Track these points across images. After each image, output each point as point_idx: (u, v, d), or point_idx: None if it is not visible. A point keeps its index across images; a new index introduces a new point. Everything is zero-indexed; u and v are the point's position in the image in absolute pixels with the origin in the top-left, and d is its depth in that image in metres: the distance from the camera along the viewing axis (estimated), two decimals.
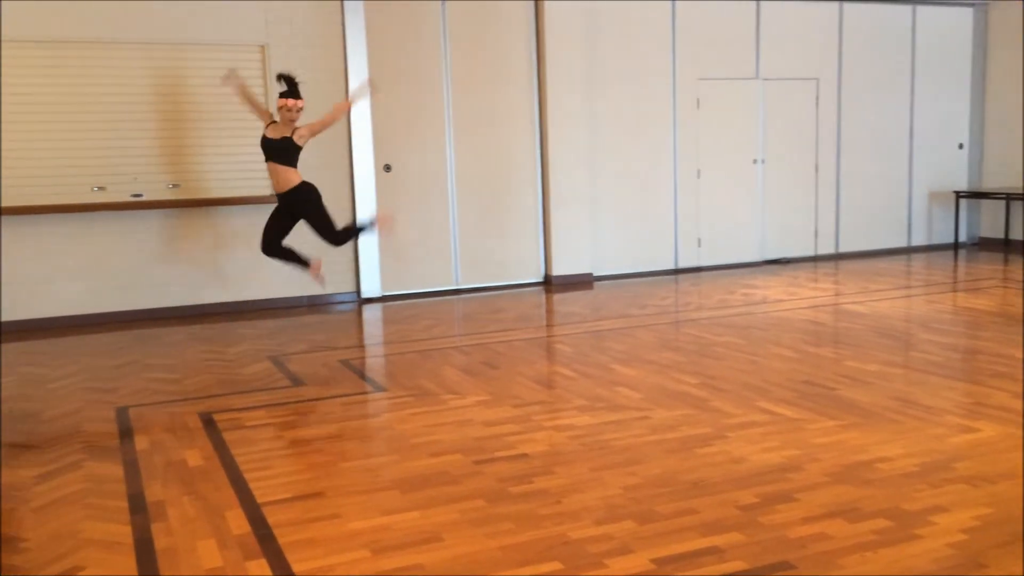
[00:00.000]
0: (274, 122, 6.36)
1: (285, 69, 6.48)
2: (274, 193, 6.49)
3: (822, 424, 4.16)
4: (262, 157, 7.61)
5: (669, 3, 9.15)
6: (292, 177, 6.33)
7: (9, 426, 4.57)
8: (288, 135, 6.28)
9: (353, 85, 7.83)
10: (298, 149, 6.33)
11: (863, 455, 3.72)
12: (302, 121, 6.37)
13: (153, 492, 3.57)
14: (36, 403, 4.99)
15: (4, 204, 6.99)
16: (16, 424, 4.60)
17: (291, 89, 6.22)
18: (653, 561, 2.82)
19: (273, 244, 6.49)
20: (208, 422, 4.52)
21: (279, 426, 4.47)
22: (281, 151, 6.29)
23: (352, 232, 6.66)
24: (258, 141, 6.46)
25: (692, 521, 3.11)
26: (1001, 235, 10.59)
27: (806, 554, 2.84)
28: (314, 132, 6.38)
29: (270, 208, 6.65)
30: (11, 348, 6.51)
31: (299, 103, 6.23)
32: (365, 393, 5.09)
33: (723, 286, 8.47)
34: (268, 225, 6.49)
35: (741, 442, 3.94)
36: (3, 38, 6.88)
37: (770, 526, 3.05)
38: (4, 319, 7.04)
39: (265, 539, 3.08)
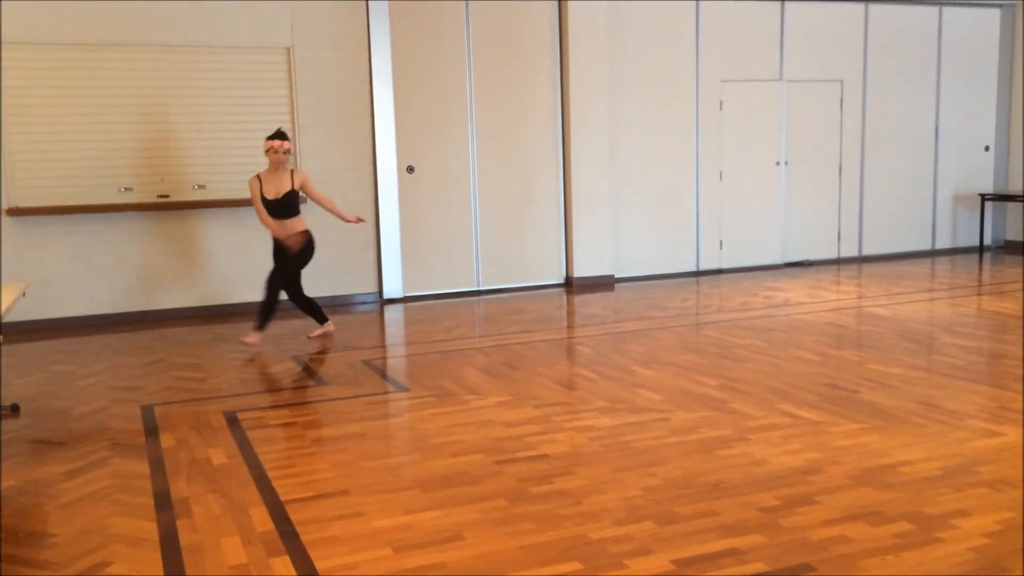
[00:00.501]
0: (258, 177, 6.29)
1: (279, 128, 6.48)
2: (277, 239, 6.36)
3: (844, 427, 4.15)
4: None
5: (693, 5, 9.14)
6: (297, 225, 6.35)
7: (38, 423, 4.65)
8: (289, 188, 6.24)
9: (379, 94, 7.89)
10: (298, 194, 6.33)
11: (885, 458, 3.71)
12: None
13: (178, 489, 3.62)
14: (65, 400, 5.07)
15: (33, 205, 7.10)
16: (45, 421, 4.68)
17: (279, 132, 6.27)
18: (673, 562, 2.83)
19: (297, 294, 6.57)
20: (232, 421, 4.57)
21: (302, 425, 4.51)
22: (286, 207, 6.27)
23: (298, 304, 6.62)
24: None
25: (712, 523, 3.11)
26: None
27: (827, 556, 2.83)
28: (308, 190, 6.35)
29: None
30: (41, 346, 6.61)
31: (285, 144, 6.22)
32: (387, 393, 5.13)
33: (745, 288, 8.45)
34: (284, 276, 6.45)
35: (762, 444, 3.93)
36: (32, 39, 6.98)
37: (791, 528, 3.05)
38: (35, 318, 7.14)
39: (288, 536, 3.12)
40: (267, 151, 6.26)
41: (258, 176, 6.33)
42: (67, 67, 7.13)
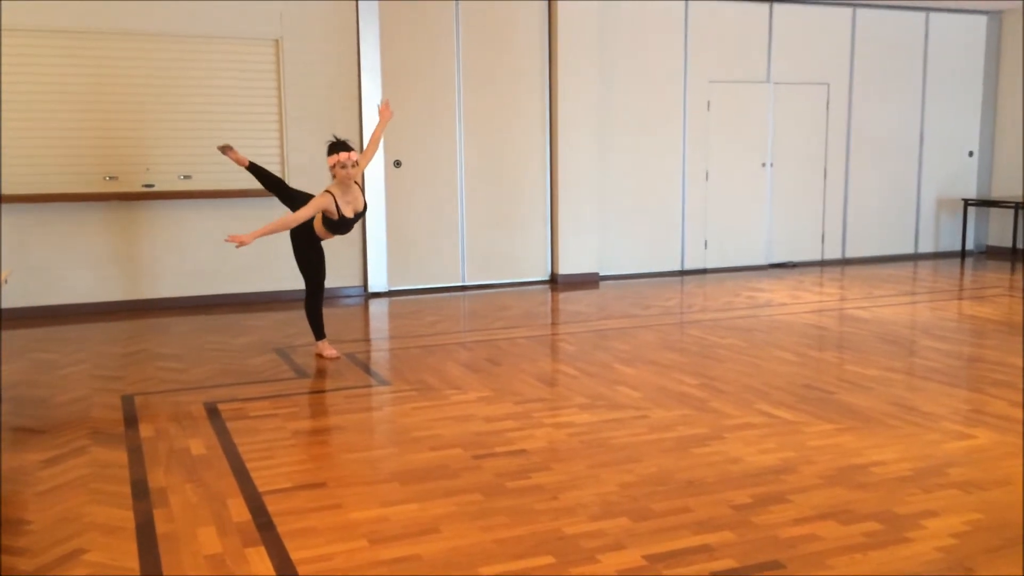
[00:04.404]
0: (331, 193, 5.29)
1: (336, 137, 5.49)
2: (321, 238, 5.63)
3: (819, 427, 4.20)
4: (270, 148, 7.75)
5: (682, 5, 9.18)
6: None
7: (18, 411, 4.64)
8: (364, 201, 5.47)
9: (367, 89, 7.90)
10: None
11: (858, 459, 3.76)
12: None
13: (156, 479, 3.63)
14: (45, 389, 5.07)
15: (18, 192, 7.08)
16: (25, 409, 4.67)
17: (340, 143, 5.34)
18: (645, 557, 2.86)
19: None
20: (212, 411, 4.58)
21: (283, 417, 4.52)
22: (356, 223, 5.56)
23: (308, 308, 5.77)
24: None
25: (685, 519, 3.15)
26: (1009, 244, 10.58)
27: (796, 554, 2.87)
28: (364, 163, 5.60)
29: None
30: (23, 334, 6.59)
31: (353, 155, 5.28)
32: (369, 386, 5.14)
33: (728, 288, 8.50)
34: (322, 274, 5.72)
35: (738, 443, 3.97)
36: (19, 26, 6.95)
37: (762, 526, 3.09)
38: (19, 306, 7.12)
39: (265, 527, 3.13)
40: (333, 167, 5.26)
41: (330, 191, 5.30)
42: (53, 54, 7.11)
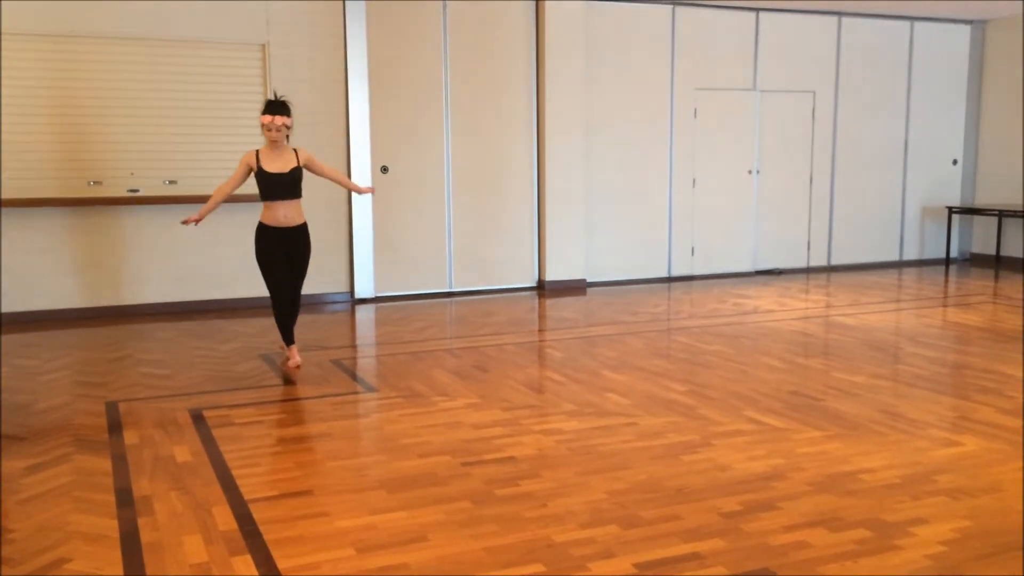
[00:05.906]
0: (256, 151, 5.36)
1: (278, 95, 5.48)
2: (275, 227, 5.37)
3: (807, 434, 4.20)
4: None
5: (669, 12, 9.20)
6: (301, 211, 5.46)
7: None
8: (296, 164, 5.37)
9: (354, 93, 7.87)
10: (303, 172, 5.46)
11: (847, 466, 3.76)
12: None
13: (140, 487, 3.58)
14: (27, 395, 5.01)
15: (1, 196, 7.01)
16: (7, 416, 4.61)
17: (275, 104, 5.29)
18: (635, 566, 2.84)
19: (289, 303, 5.53)
20: (198, 418, 4.54)
21: (269, 424, 4.49)
22: (290, 185, 5.35)
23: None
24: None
25: (675, 527, 3.14)
26: (993, 251, 10.65)
27: (787, 562, 2.87)
28: (314, 166, 5.52)
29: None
30: (5, 340, 6.51)
31: (278, 120, 5.24)
32: (356, 393, 5.11)
33: (715, 295, 8.51)
34: (279, 280, 5.45)
35: (726, 450, 3.97)
36: (3, 31, 6.90)
37: (752, 533, 3.08)
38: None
39: (251, 535, 3.10)
40: (262, 127, 5.32)
41: (256, 150, 5.38)
42: (37, 58, 7.05)
